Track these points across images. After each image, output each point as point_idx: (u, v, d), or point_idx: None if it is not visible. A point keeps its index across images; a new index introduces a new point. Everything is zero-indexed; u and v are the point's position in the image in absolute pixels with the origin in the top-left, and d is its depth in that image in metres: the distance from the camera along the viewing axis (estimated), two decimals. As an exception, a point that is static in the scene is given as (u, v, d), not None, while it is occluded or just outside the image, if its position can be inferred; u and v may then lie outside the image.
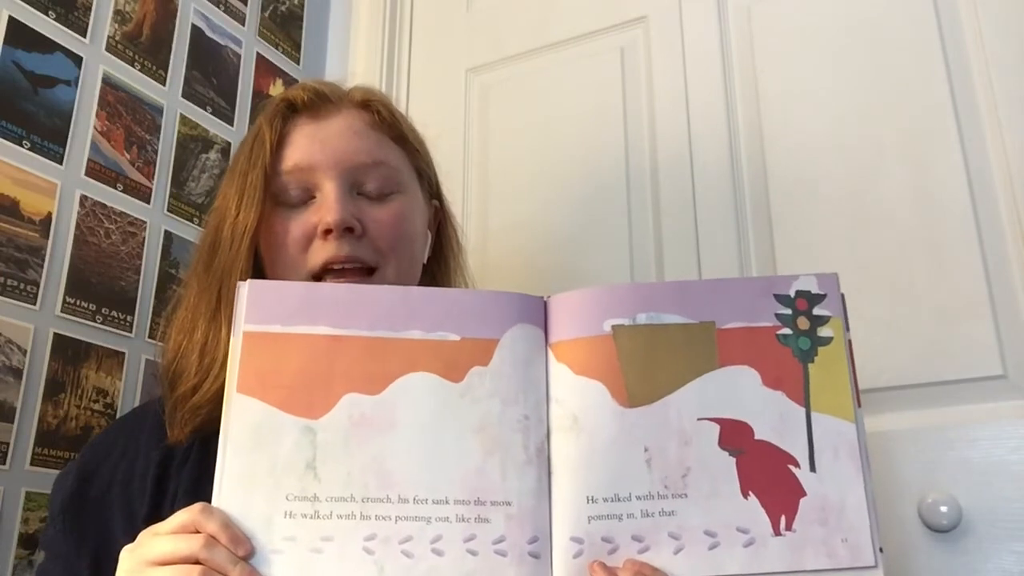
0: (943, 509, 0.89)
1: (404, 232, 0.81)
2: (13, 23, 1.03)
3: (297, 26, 1.49)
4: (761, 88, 1.16)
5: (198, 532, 0.57)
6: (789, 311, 0.64)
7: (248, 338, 0.62)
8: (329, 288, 0.67)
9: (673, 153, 1.19)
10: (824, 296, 0.65)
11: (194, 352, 0.77)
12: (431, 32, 1.49)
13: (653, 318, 0.63)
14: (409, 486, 0.59)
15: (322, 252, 0.77)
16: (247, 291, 0.63)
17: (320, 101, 0.83)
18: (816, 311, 0.64)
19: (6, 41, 1.02)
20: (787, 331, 0.64)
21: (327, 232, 0.77)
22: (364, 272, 0.78)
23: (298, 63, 1.47)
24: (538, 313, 0.64)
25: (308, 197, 0.80)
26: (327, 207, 0.77)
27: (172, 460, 0.76)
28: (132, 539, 0.73)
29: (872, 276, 1.01)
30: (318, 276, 0.78)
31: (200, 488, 0.74)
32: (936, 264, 0.99)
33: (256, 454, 0.60)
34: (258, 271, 0.81)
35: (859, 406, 0.63)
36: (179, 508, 0.73)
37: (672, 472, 0.60)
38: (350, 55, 1.51)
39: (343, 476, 0.59)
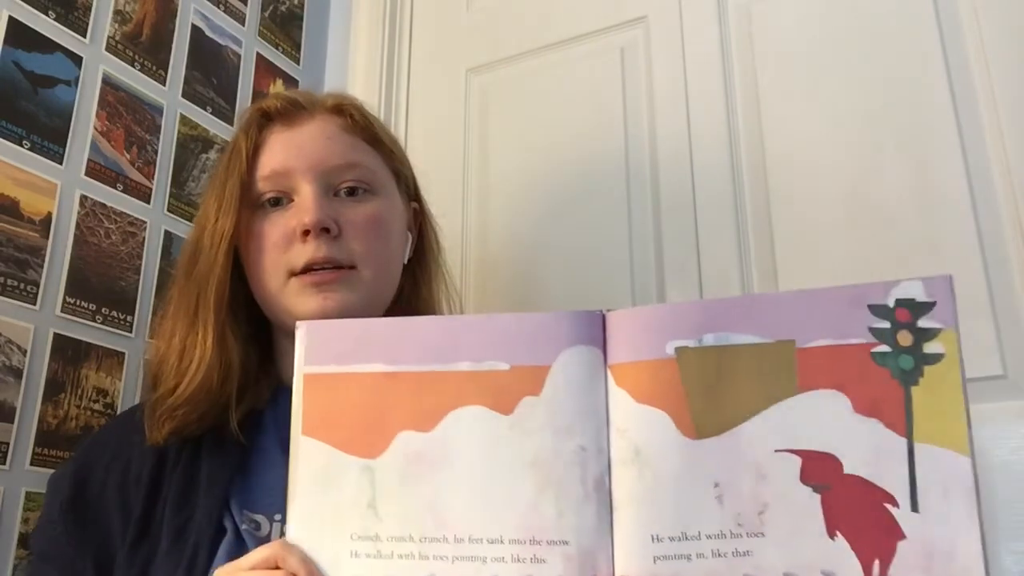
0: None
1: (380, 232, 0.82)
2: (13, 23, 1.03)
3: (297, 26, 1.49)
4: (761, 88, 1.16)
5: (279, 568, 0.58)
6: (887, 324, 0.56)
7: (308, 380, 0.61)
8: (381, 324, 0.66)
9: (673, 153, 1.19)
10: (933, 304, 0.56)
11: (172, 356, 0.79)
12: (431, 32, 1.49)
13: (722, 338, 0.57)
14: (464, 525, 0.57)
15: (302, 253, 0.78)
16: (304, 332, 0.62)
17: (293, 108, 0.85)
18: (922, 323, 0.55)
19: (6, 41, 1.02)
20: (884, 348, 0.56)
21: (305, 233, 0.78)
22: (342, 273, 0.79)
23: (298, 63, 1.47)
24: (595, 331, 0.59)
25: (287, 201, 0.82)
26: (304, 209, 0.79)
27: (166, 462, 0.77)
28: (130, 538, 0.73)
29: (872, 276, 1.01)
30: (299, 277, 0.79)
31: (188, 493, 0.75)
32: (936, 264, 0.99)
33: (322, 495, 0.59)
34: (240, 278, 0.83)
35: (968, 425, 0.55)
36: (170, 511, 0.73)
37: (747, 509, 0.55)
38: (350, 55, 1.51)
39: (401, 515, 0.58)
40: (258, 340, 0.85)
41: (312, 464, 0.60)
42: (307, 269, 0.78)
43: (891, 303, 0.56)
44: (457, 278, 1.26)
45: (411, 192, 0.92)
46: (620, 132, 1.24)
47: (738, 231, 1.12)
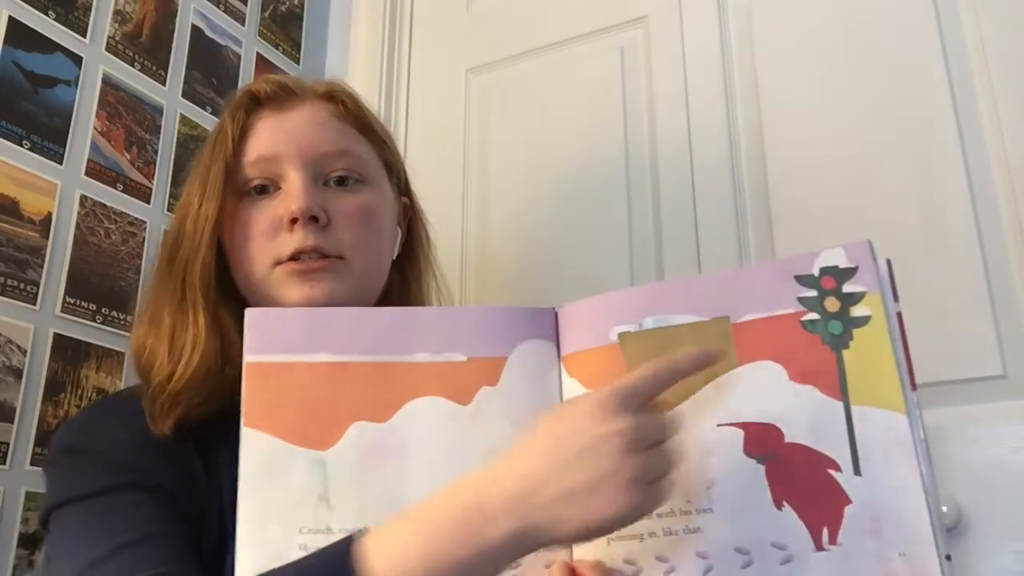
0: (943, 509, 0.89)
1: (371, 224, 0.80)
2: (13, 23, 1.03)
3: (297, 26, 1.49)
4: (761, 88, 1.16)
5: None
6: (814, 293, 0.57)
7: (250, 369, 0.60)
8: (330, 313, 0.65)
9: (673, 152, 1.19)
10: (855, 269, 0.57)
11: (162, 343, 0.75)
12: (431, 32, 1.49)
13: (661, 321, 0.59)
14: None
15: (289, 242, 0.76)
16: (248, 321, 0.62)
17: (283, 93, 0.82)
18: (847, 288, 0.57)
19: (6, 41, 1.02)
20: (813, 316, 0.56)
21: (293, 221, 0.76)
22: (331, 262, 0.76)
23: (298, 63, 1.47)
24: (548, 326, 0.61)
25: (274, 188, 0.79)
26: (292, 196, 0.76)
27: (201, 429, 0.72)
28: (187, 484, 0.69)
29: (872, 276, 1.01)
30: (284, 265, 0.76)
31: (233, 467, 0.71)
32: (936, 264, 0.99)
33: (268, 488, 0.58)
34: (223, 267, 0.80)
35: (913, 389, 0.54)
36: (218, 483, 0.69)
37: (694, 486, 0.56)
38: (350, 55, 1.51)
39: (356, 507, 0.58)
40: None
41: (254, 456, 0.59)
42: (294, 257, 0.76)
43: (816, 272, 0.58)
44: (457, 278, 1.27)
45: (402, 186, 0.90)
46: (620, 132, 1.24)
47: (738, 230, 1.12)
